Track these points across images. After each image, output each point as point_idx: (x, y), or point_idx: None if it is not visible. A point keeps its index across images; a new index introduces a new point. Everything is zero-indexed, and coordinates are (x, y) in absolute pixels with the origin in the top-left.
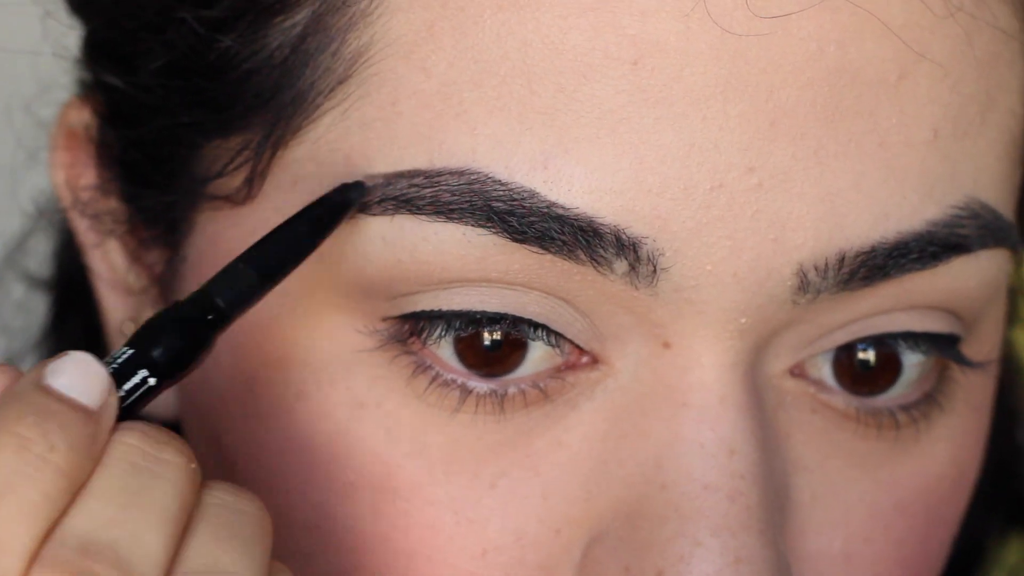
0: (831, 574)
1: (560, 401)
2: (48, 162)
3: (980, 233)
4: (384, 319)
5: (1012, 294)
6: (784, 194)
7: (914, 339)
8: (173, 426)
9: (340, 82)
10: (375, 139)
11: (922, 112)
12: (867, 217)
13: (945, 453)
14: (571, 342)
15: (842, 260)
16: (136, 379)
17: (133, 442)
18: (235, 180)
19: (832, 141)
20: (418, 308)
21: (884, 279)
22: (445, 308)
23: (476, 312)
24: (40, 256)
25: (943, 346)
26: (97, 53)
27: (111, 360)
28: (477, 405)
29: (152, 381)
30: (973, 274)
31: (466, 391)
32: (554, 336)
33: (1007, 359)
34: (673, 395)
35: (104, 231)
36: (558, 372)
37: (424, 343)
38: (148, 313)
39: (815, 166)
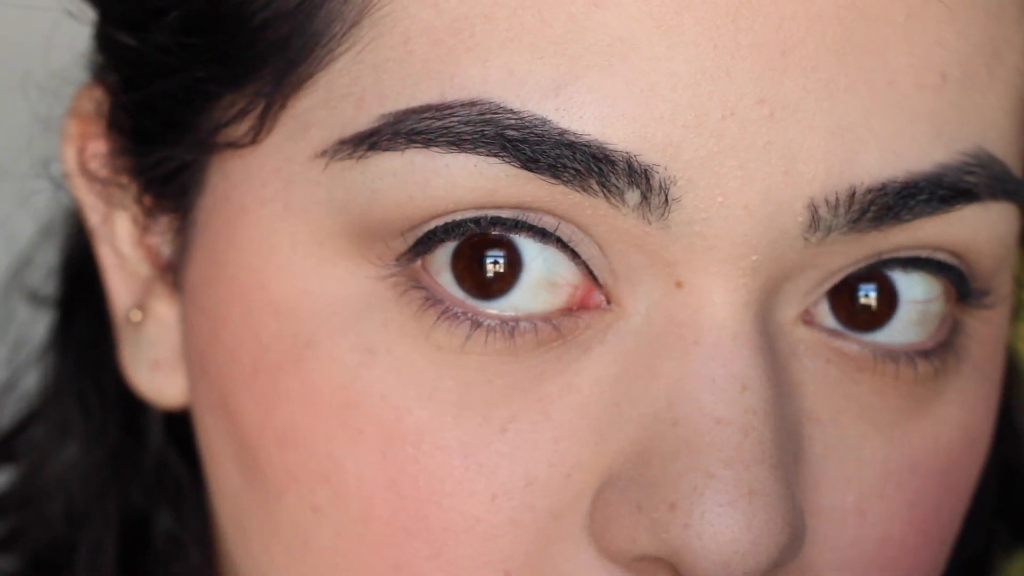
0: (845, 529)
1: (572, 343)
2: (60, 141)
3: (989, 182)
4: (396, 257)
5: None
6: (795, 125)
7: (916, 264)
8: (183, 415)
9: (352, 25)
10: (387, 79)
11: (930, 54)
12: (877, 154)
13: (957, 418)
14: (585, 265)
15: (852, 196)
16: None
17: None
18: (245, 129)
19: (843, 75)
20: (427, 229)
21: (894, 221)
22: (459, 218)
23: (487, 210)
24: (44, 269)
25: (948, 274)
26: (110, 21)
27: None
28: (487, 339)
29: None
30: (983, 226)
31: (475, 324)
32: (569, 251)
33: (1010, 373)
34: (685, 334)
35: (112, 203)
36: (570, 311)
37: (427, 269)
38: (156, 302)
39: (826, 99)
